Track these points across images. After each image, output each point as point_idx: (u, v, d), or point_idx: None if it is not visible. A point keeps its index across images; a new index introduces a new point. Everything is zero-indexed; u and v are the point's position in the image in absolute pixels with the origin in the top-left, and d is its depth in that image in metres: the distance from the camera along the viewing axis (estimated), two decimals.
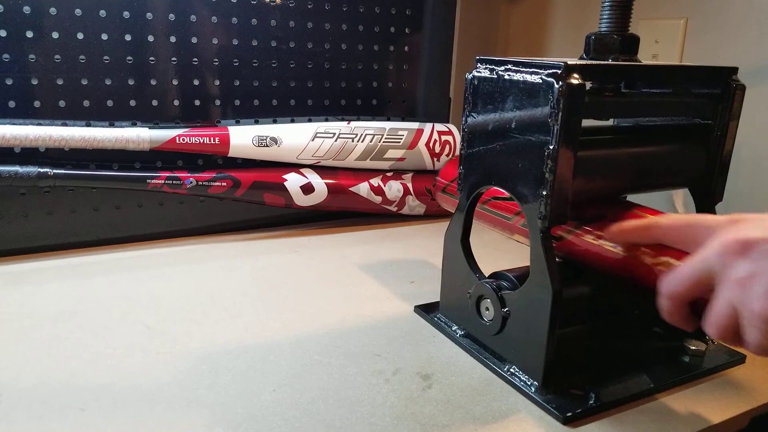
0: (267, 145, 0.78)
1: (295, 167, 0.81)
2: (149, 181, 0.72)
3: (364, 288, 0.66)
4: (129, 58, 0.72)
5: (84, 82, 0.70)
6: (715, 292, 0.38)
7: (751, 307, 0.35)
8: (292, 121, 0.83)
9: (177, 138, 0.73)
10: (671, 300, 0.41)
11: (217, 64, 0.77)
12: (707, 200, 0.54)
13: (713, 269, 0.38)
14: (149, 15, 0.72)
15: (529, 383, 0.47)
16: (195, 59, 0.75)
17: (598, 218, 0.50)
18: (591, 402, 0.45)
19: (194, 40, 0.75)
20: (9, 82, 0.67)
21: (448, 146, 0.89)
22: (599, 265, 0.49)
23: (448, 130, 0.90)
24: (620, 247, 0.47)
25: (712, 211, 0.53)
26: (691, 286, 0.40)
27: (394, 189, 0.86)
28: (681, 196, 0.71)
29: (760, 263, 0.35)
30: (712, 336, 0.39)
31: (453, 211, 0.66)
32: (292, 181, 0.80)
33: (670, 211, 0.50)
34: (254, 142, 0.77)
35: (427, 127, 0.89)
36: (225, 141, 0.75)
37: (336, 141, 0.81)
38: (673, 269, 0.41)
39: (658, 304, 0.42)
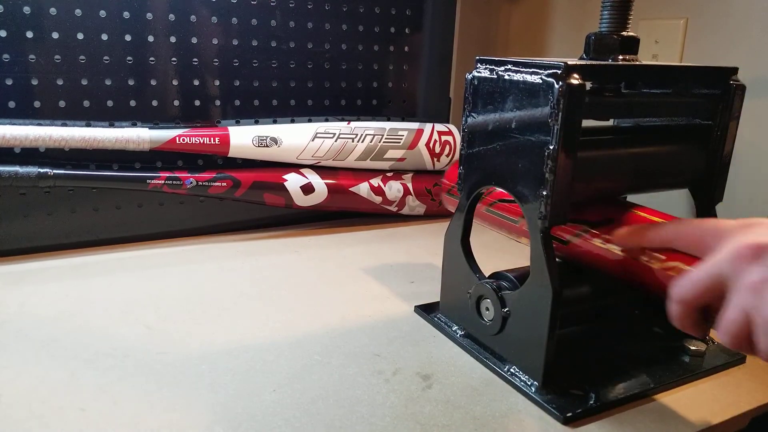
0: (267, 146, 0.78)
1: (295, 167, 0.81)
2: (149, 181, 0.72)
3: (364, 288, 0.66)
4: (129, 58, 0.72)
5: (84, 82, 0.70)
6: (726, 298, 0.38)
7: (764, 313, 0.35)
8: (292, 122, 0.83)
9: (177, 138, 0.73)
10: (682, 305, 0.40)
11: (217, 64, 0.77)
12: (707, 201, 0.54)
13: (725, 275, 0.37)
14: (149, 15, 0.72)
15: (529, 383, 0.47)
16: (195, 59, 0.75)
17: (606, 222, 0.49)
18: (591, 402, 0.45)
19: (194, 40, 0.75)
20: (9, 82, 0.67)
21: (448, 146, 0.89)
22: (608, 269, 0.49)
23: (448, 130, 0.90)
24: (629, 251, 0.47)
25: (713, 212, 0.53)
26: (703, 291, 0.39)
27: (394, 189, 0.86)
28: None
29: None
30: (724, 343, 0.38)
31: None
32: (292, 181, 0.80)
33: (670, 211, 0.50)
34: (254, 142, 0.77)
35: (427, 127, 0.89)
36: (225, 141, 0.75)
37: (336, 141, 0.81)
38: (684, 274, 0.41)
39: (668, 309, 0.41)
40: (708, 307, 0.40)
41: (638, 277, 0.46)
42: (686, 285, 0.40)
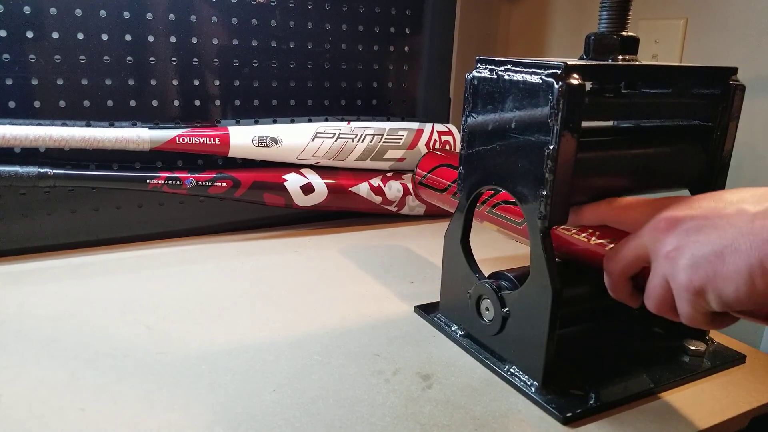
0: (267, 145, 0.78)
1: (295, 167, 0.81)
2: (149, 181, 0.72)
3: (364, 288, 0.66)
4: (129, 58, 0.72)
5: (84, 82, 0.70)
6: (651, 267, 0.41)
7: (678, 279, 0.38)
8: (292, 121, 0.83)
9: (177, 138, 0.73)
10: (612, 276, 0.44)
11: (217, 64, 0.77)
12: None
13: (647, 246, 0.41)
14: (149, 15, 0.72)
15: (529, 383, 0.47)
16: (195, 59, 0.75)
17: None
18: (591, 402, 0.45)
19: (194, 40, 0.75)
20: (9, 82, 0.67)
21: (448, 146, 0.89)
22: (563, 252, 0.53)
23: (448, 130, 0.90)
24: (576, 230, 0.52)
25: None
26: (629, 262, 0.43)
27: (394, 189, 0.86)
28: None
29: (685, 238, 0.38)
30: (650, 309, 0.42)
31: (433, 203, 0.70)
32: (292, 181, 0.80)
33: None
34: (254, 142, 0.77)
35: (427, 127, 0.89)
36: (225, 141, 0.75)
37: (336, 141, 0.81)
38: (613, 248, 0.45)
39: (605, 281, 0.45)
40: (637, 277, 0.43)
41: (579, 253, 0.51)
42: (614, 257, 0.44)
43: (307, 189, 0.80)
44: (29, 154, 0.69)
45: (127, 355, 0.50)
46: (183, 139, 0.73)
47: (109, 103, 0.72)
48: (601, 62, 0.48)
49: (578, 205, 0.47)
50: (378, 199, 0.85)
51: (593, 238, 0.51)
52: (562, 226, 0.53)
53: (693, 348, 0.52)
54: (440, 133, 0.89)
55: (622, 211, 0.45)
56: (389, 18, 0.87)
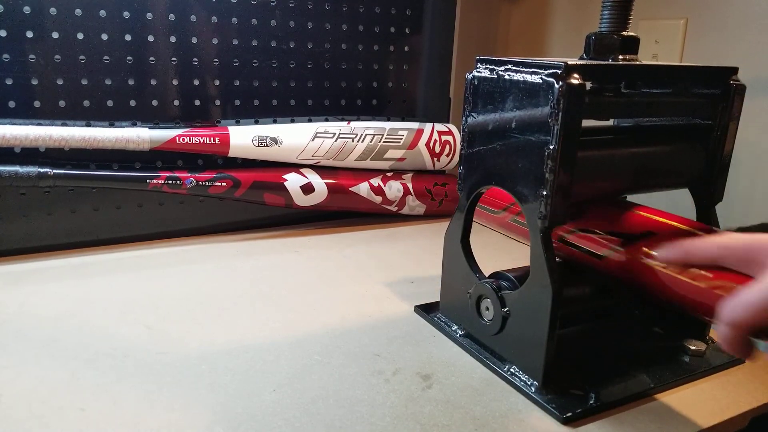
0: (267, 145, 0.78)
1: (295, 167, 0.81)
2: (149, 181, 0.72)
3: (364, 288, 0.66)
4: (129, 58, 0.72)
5: (84, 82, 0.70)
6: None
7: None
8: (292, 121, 0.83)
9: (177, 138, 0.73)
10: (734, 329, 0.37)
11: (217, 64, 0.77)
12: (707, 200, 0.54)
13: None
14: (149, 15, 0.72)
15: (529, 383, 0.47)
16: (195, 59, 0.75)
17: (647, 235, 0.47)
18: (591, 402, 0.45)
19: (194, 40, 0.75)
20: (9, 82, 0.67)
21: (448, 146, 0.89)
22: (648, 286, 0.46)
23: (448, 130, 0.90)
24: (672, 267, 0.44)
25: (712, 212, 0.53)
26: (758, 313, 0.36)
27: (394, 189, 0.86)
28: None
29: None
30: None
31: (487, 225, 0.62)
32: (292, 181, 0.80)
33: (669, 211, 0.50)
34: (254, 142, 0.77)
35: (427, 127, 0.89)
36: (225, 141, 0.75)
37: (336, 141, 0.81)
38: (734, 294, 0.38)
39: (718, 332, 0.38)
40: (761, 328, 0.37)
41: (679, 296, 0.44)
42: (739, 306, 0.37)
43: (307, 189, 0.80)
44: (29, 154, 0.69)
45: (127, 355, 0.50)
46: (183, 139, 0.73)
47: (109, 103, 0.72)
48: (602, 62, 0.48)
49: (685, 240, 0.42)
50: (378, 199, 0.85)
51: (702, 281, 0.42)
52: (672, 267, 0.45)
53: (693, 348, 0.52)
54: (440, 133, 0.89)
55: (743, 249, 0.39)
56: (389, 18, 0.87)
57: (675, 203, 0.55)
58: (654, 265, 0.45)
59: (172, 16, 0.73)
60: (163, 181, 0.73)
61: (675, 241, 0.43)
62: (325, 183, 0.81)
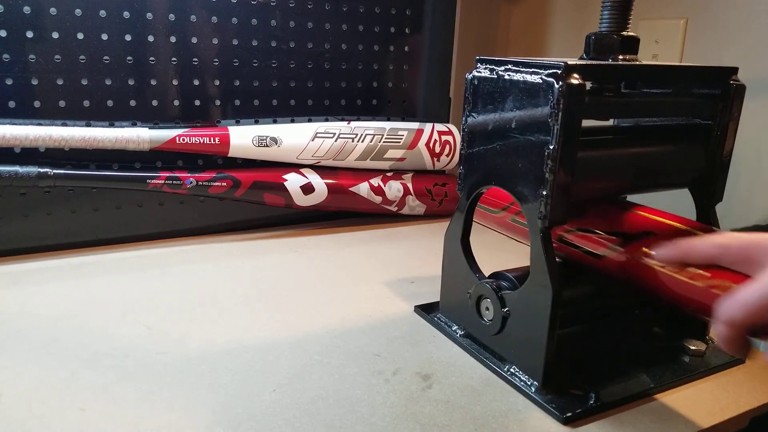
0: (267, 145, 0.78)
1: (295, 167, 0.81)
2: (149, 181, 0.72)
3: (364, 288, 0.66)
4: (129, 58, 0.72)
5: (84, 82, 0.70)
6: None
7: None
8: (292, 121, 0.83)
9: (177, 138, 0.73)
10: (732, 327, 0.37)
11: (217, 64, 0.77)
12: (707, 200, 0.54)
13: None
14: (149, 15, 0.72)
15: (529, 383, 0.47)
16: (195, 59, 0.75)
17: (645, 234, 0.47)
18: (591, 402, 0.45)
19: (194, 40, 0.75)
20: (9, 82, 0.67)
21: (448, 146, 0.89)
22: (645, 285, 0.46)
23: (448, 130, 0.90)
24: (670, 267, 0.44)
25: (712, 212, 0.53)
26: (755, 312, 0.36)
27: (394, 189, 0.86)
28: None
29: None
30: None
31: (486, 224, 0.62)
32: (292, 181, 0.80)
33: (669, 211, 0.50)
34: (254, 142, 0.77)
35: (427, 127, 0.89)
36: (225, 141, 0.75)
37: (336, 141, 0.81)
38: (732, 293, 0.38)
39: (716, 330, 0.39)
40: (759, 327, 0.37)
41: (678, 295, 0.44)
42: (736, 305, 0.37)
43: (307, 189, 0.80)
44: (29, 154, 0.69)
45: (127, 355, 0.50)
46: (183, 139, 0.73)
47: (109, 103, 0.72)
48: (601, 62, 0.48)
49: (681, 239, 0.42)
50: (378, 199, 0.85)
51: (699, 281, 0.42)
52: (668, 266, 0.45)
53: (693, 348, 0.52)
54: (440, 133, 0.89)
55: (741, 249, 0.40)
56: (389, 18, 0.87)
57: (675, 203, 0.55)
58: (652, 264, 0.45)
59: (172, 16, 0.73)
60: (163, 181, 0.73)
61: (673, 241, 0.43)
62: (325, 183, 0.81)
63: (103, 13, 0.69)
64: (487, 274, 0.53)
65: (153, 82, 0.74)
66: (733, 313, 0.37)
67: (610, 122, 0.59)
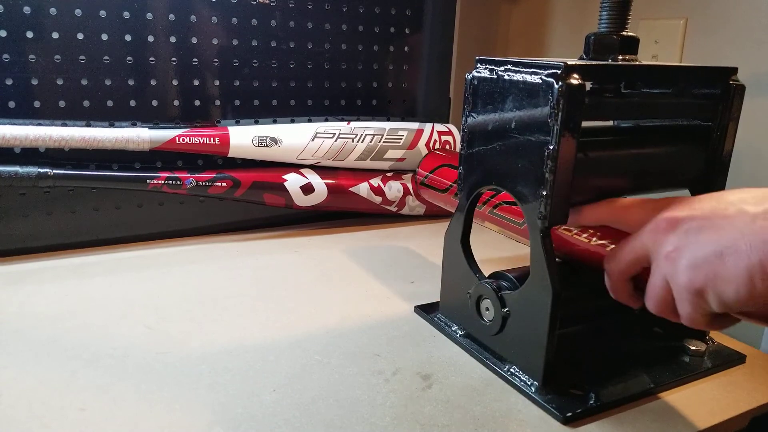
0: (267, 146, 0.78)
1: (295, 167, 0.81)
2: (149, 181, 0.72)
3: (364, 288, 0.66)
4: (129, 58, 0.72)
5: (84, 82, 0.70)
6: (651, 268, 0.41)
7: (678, 280, 0.38)
8: (292, 121, 0.83)
9: (177, 138, 0.73)
10: (612, 277, 0.44)
11: (217, 64, 0.77)
12: None
13: (647, 246, 0.41)
14: (149, 15, 0.72)
15: (529, 383, 0.47)
16: (195, 59, 0.75)
17: None
18: (591, 402, 0.45)
19: (194, 40, 0.75)
20: (9, 82, 0.67)
21: (448, 146, 0.89)
22: (563, 250, 0.53)
23: (448, 130, 0.90)
24: (576, 231, 0.52)
25: None
26: (629, 263, 0.42)
27: (394, 189, 0.86)
28: None
29: (685, 239, 0.38)
30: (650, 310, 0.41)
31: (435, 204, 0.71)
32: (292, 181, 0.80)
33: None
34: (254, 142, 0.77)
35: (427, 127, 0.89)
36: (225, 141, 0.75)
37: (336, 141, 0.81)
38: (613, 248, 0.45)
39: (605, 282, 0.45)
40: (637, 278, 0.43)
41: (579, 253, 0.52)
42: (615, 258, 0.44)
43: (307, 189, 0.80)
44: (29, 154, 0.69)
45: (127, 355, 0.50)
46: (183, 139, 0.73)
47: (109, 103, 0.72)
48: (601, 62, 0.48)
49: (578, 206, 0.46)
50: (378, 199, 0.85)
51: (594, 239, 0.51)
52: (563, 227, 0.53)
53: (693, 348, 0.52)
54: (440, 133, 0.89)
55: (622, 212, 0.45)
56: (389, 18, 0.87)
57: None
58: (561, 232, 0.53)
59: (172, 16, 0.73)
60: (163, 182, 0.73)
61: (577, 208, 0.48)
62: (325, 183, 0.81)
63: (103, 13, 0.69)
64: (487, 274, 0.53)
65: (153, 82, 0.74)
66: (612, 265, 0.44)
67: (610, 123, 0.59)
